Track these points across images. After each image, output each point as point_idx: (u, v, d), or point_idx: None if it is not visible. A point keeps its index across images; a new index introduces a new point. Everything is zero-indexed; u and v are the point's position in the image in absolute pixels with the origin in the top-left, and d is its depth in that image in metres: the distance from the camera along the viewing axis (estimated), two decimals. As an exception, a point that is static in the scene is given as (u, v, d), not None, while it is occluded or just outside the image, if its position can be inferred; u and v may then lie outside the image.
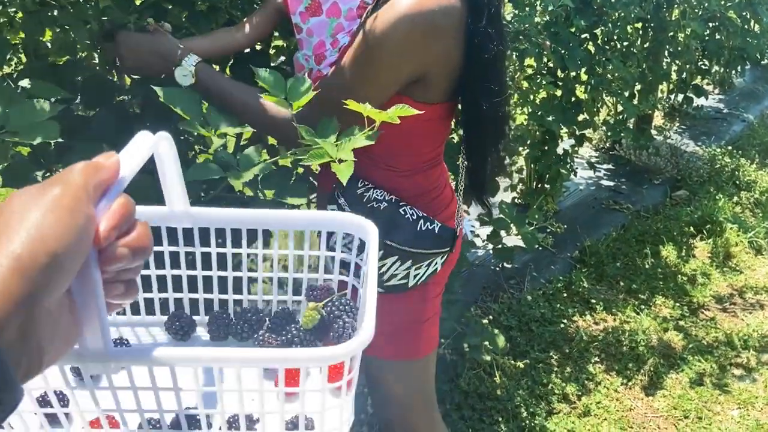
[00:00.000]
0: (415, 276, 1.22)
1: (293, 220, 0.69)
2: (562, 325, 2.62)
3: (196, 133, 1.08)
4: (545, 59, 2.76)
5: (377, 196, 1.19)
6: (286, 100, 0.88)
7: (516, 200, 3.33)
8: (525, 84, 2.79)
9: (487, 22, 1.04)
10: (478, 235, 2.64)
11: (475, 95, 1.12)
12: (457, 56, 1.07)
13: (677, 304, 2.79)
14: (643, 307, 2.76)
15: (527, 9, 2.23)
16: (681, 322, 2.68)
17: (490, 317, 2.61)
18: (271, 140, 1.61)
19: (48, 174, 0.97)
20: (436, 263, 1.23)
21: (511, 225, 2.50)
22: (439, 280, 1.31)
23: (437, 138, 1.23)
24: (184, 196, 0.59)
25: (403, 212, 1.18)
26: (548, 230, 2.65)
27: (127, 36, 1.07)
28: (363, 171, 1.15)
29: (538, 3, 2.36)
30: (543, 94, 2.84)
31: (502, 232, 2.59)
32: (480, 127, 1.18)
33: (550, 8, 2.16)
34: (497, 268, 2.90)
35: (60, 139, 0.80)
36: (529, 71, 2.86)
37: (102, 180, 0.41)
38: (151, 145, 0.48)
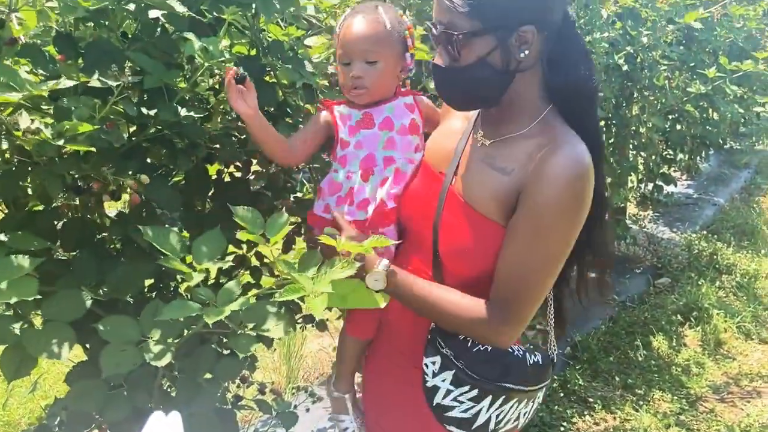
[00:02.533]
0: (524, 414, 1.15)
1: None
2: (562, 429, 2.53)
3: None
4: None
5: None
6: (263, 237, 0.89)
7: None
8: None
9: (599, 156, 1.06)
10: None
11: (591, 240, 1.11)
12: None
13: (675, 398, 2.73)
14: (641, 402, 2.69)
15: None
16: (681, 417, 2.61)
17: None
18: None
19: (26, 325, 0.95)
20: (539, 397, 1.17)
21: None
22: None
23: None
24: None
25: (510, 350, 1.11)
26: (537, 327, 2.63)
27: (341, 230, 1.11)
28: None
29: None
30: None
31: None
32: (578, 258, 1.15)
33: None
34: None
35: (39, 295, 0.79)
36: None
37: None
38: (166, 427, 0.51)
